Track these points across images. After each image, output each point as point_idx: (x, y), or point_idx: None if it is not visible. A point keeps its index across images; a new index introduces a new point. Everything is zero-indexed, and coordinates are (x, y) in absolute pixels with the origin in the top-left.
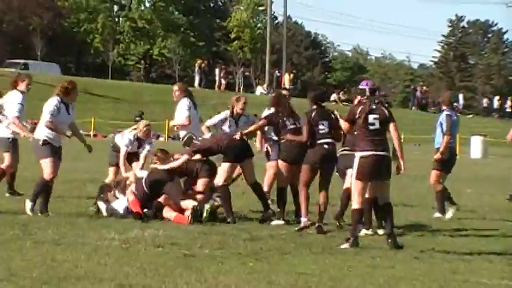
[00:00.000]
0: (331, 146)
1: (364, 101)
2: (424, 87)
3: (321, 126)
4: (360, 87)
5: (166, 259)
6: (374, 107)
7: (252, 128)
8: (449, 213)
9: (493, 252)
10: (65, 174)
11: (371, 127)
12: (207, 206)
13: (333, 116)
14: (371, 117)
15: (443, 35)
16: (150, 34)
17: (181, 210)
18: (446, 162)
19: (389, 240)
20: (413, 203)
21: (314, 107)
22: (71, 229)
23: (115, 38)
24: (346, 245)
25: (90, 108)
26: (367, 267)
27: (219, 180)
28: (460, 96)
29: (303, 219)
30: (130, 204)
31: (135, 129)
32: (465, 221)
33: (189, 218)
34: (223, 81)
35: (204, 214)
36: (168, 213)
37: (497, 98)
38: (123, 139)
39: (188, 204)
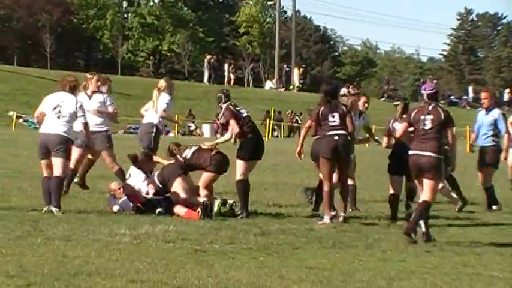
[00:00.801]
0: (342, 137)
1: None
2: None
3: (330, 118)
4: (421, 91)
5: (177, 254)
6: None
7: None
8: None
9: (504, 244)
10: None
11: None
12: (217, 202)
13: (343, 108)
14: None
15: (452, 28)
16: (159, 30)
17: (192, 206)
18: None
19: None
20: None
21: (325, 100)
22: (82, 225)
23: (124, 34)
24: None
25: None
26: (378, 261)
27: (237, 175)
28: (470, 89)
29: (328, 215)
30: (131, 198)
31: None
32: (475, 214)
33: (199, 213)
34: (232, 76)
35: (215, 209)
36: (178, 208)
37: (507, 91)
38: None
39: (198, 200)
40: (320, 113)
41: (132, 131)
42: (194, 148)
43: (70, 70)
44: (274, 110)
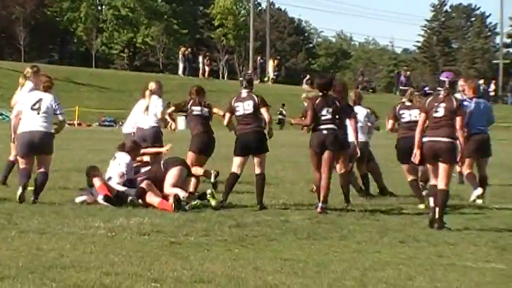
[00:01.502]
0: (331, 131)
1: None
2: (408, 72)
3: (323, 112)
4: (441, 78)
5: (152, 247)
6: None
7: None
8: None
9: (477, 235)
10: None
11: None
12: (193, 203)
13: (337, 103)
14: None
15: (426, 20)
16: (133, 22)
17: (165, 196)
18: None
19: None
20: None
21: (320, 94)
22: (56, 218)
23: (98, 26)
24: None
25: (74, 97)
26: (352, 252)
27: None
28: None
29: (319, 205)
30: (98, 189)
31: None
32: (449, 204)
33: (172, 205)
34: (206, 69)
35: (187, 209)
36: (151, 198)
37: (481, 81)
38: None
39: (173, 191)
40: (315, 105)
41: (106, 123)
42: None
43: (44, 63)
44: None
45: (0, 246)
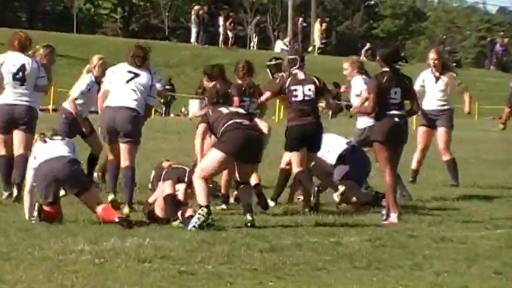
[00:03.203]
0: (403, 119)
1: None
2: (506, 39)
3: (392, 95)
4: None
5: (155, 278)
6: None
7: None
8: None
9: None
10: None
11: None
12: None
13: (407, 82)
14: None
15: None
16: None
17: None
18: None
19: None
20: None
21: (386, 69)
22: (25, 238)
23: None
24: None
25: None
26: (430, 286)
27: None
28: None
29: (392, 215)
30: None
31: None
32: None
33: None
34: (230, 35)
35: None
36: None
37: None
38: (76, 86)
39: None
40: (381, 84)
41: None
42: None
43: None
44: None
45: None
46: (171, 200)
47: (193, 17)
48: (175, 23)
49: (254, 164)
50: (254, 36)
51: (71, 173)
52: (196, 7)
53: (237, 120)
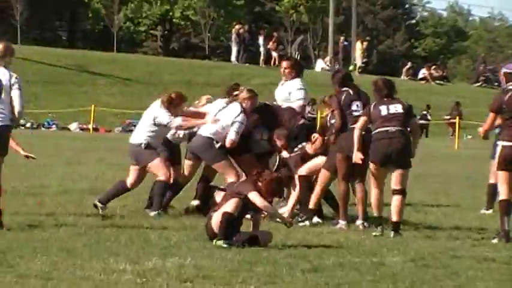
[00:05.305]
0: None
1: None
2: None
3: (354, 108)
4: (506, 70)
5: None
6: None
7: None
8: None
9: None
10: (57, 183)
11: None
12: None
13: (367, 96)
14: None
15: None
16: None
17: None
18: None
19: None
20: None
21: (344, 88)
22: (66, 258)
23: None
24: (495, 240)
25: (89, 92)
26: None
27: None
28: None
29: (341, 222)
30: None
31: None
32: None
33: None
34: (274, 54)
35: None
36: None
37: None
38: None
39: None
40: (342, 100)
41: (132, 128)
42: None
43: (48, 45)
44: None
45: None
46: (226, 220)
47: (233, 35)
48: (216, 41)
49: None
50: (296, 55)
51: None
52: (237, 26)
53: None
